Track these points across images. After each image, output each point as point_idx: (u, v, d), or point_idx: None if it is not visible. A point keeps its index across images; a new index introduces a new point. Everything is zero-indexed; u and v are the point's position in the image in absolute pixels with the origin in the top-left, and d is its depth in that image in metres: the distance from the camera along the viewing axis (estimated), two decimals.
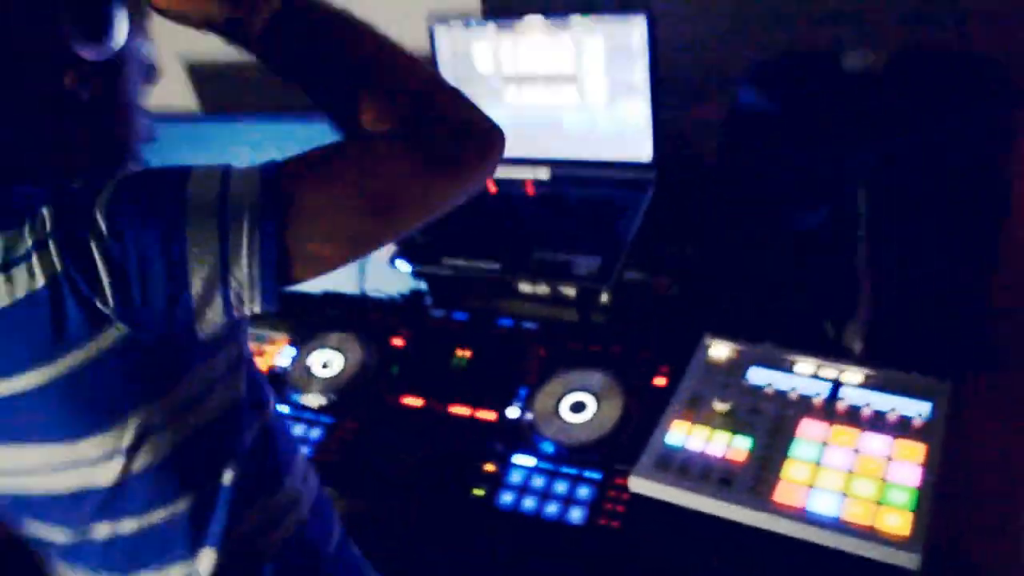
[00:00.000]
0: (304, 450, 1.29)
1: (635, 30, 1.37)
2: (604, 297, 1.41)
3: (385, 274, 1.66)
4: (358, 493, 1.25)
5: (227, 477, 0.79)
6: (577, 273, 1.37)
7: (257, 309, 0.71)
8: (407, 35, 1.57)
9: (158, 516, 0.77)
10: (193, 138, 1.78)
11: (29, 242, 0.66)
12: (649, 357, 1.28)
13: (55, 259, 0.65)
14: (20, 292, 0.66)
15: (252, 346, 1.60)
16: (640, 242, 1.39)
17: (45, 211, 0.66)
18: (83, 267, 0.65)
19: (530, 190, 1.55)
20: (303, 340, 1.47)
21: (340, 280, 1.77)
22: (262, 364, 1.62)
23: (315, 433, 1.32)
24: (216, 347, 0.74)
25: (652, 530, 1.07)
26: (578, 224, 1.46)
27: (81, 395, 0.69)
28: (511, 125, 1.54)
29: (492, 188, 1.59)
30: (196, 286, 0.68)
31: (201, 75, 2.04)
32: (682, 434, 1.11)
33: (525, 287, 1.50)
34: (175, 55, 2.00)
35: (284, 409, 1.38)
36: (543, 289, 1.49)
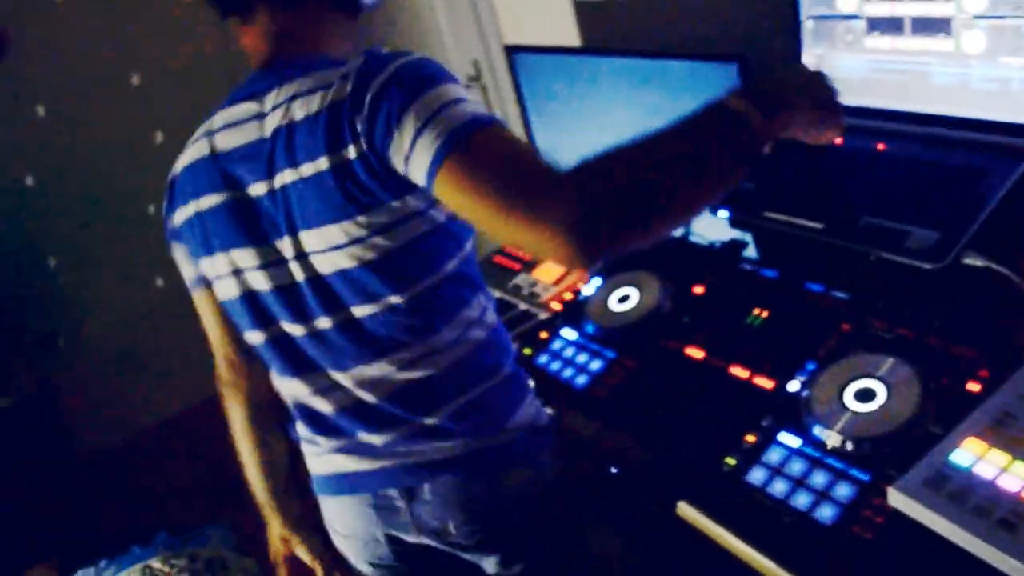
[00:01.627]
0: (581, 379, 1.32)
1: None
2: (934, 278, 1.21)
3: (713, 220, 1.60)
4: (616, 430, 1.24)
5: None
6: (906, 246, 1.19)
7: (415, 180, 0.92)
8: None
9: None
10: (575, 71, 1.84)
11: (339, 74, 0.96)
12: (971, 357, 1.08)
13: (347, 90, 0.94)
14: (320, 106, 0.96)
15: (562, 269, 1.66)
16: (998, 222, 1.16)
17: (357, 60, 0.96)
18: (357, 101, 0.93)
19: (880, 147, 1.37)
20: (611, 272, 1.47)
21: None
22: (568, 293, 1.67)
23: (595, 364, 1.34)
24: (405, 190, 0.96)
25: (907, 555, 0.92)
26: (925, 191, 1.26)
27: (343, 186, 0.96)
28: (870, 72, 1.39)
29: (838, 141, 1.43)
30: (398, 142, 0.91)
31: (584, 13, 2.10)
32: (972, 455, 0.93)
33: (847, 253, 1.34)
34: None
35: (573, 336, 1.41)
36: (867, 258, 1.32)
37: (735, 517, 1.06)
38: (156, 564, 1.97)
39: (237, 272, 1.08)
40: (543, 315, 1.65)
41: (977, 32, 1.22)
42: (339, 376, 1.08)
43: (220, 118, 1.07)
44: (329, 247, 0.99)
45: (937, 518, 0.88)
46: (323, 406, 1.11)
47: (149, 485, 2.76)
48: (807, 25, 1.43)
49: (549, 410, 1.18)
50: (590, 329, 1.40)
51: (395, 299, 1.02)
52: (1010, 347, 1.07)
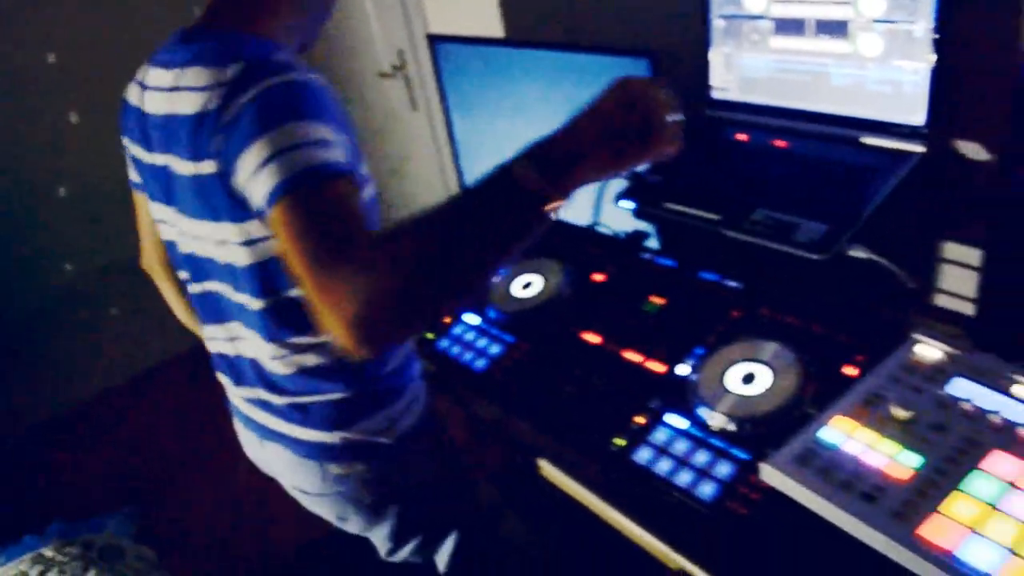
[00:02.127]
0: (480, 362, 1.33)
1: None
2: (821, 269, 1.25)
3: (616, 212, 1.62)
4: (514, 414, 1.26)
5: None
6: (795, 238, 1.22)
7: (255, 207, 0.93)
8: None
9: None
10: (496, 62, 1.85)
11: (217, 79, 0.95)
12: (849, 343, 1.12)
13: (219, 97, 0.94)
14: (194, 109, 0.97)
15: None
16: (882, 217, 1.20)
17: (237, 66, 0.94)
18: (220, 117, 0.93)
19: (780, 144, 1.41)
20: (516, 259, 1.49)
21: (574, 210, 1.77)
22: None
23: (495, 349, 1.34)
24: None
25: (779, 529, 0.95)
26: (817, 186, 1.30)
27: (210, 193, 0.98)
28: (775, 72, 1.43)
29: (743, 138, 1.47)
30: (245, 166, 0.91)
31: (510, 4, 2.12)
32: (841, 433, 0.96)
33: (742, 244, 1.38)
34: None
35: (475, 321, 1.42)
36: (760, 249, 1.35)
37: (622, 495, 1.08)
38: (48, 552, 1.90)
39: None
40: None
41: (874, 35, 1.27)
42: (223, 328, 1.18)
43: (147, 74, 1.10)
44: (203, 236, 1.06)
45: (805, 492, 0.91)
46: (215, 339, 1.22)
47: (47, 476, 2.69)
48: (717, 23, 1.47)
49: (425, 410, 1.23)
50: (492, 314, 1.40)
51: (257, 303, 1.07)
52: (887, 334, 1.11)
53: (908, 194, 1.24)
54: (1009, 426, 0.91)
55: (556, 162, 0.85)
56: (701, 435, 1.09)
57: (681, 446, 1.08)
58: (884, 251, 1.22)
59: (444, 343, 1.41)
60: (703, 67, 1.50)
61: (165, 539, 2.26)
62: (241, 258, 1.04)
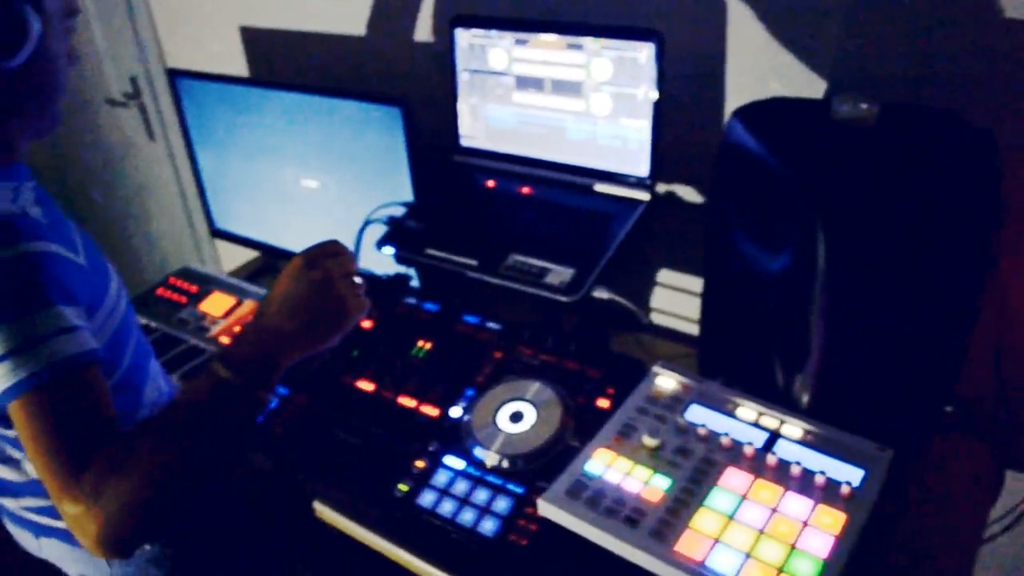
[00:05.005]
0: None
1: (643, 52, 1.35)
2: (570, 309, 1.39)
3: (378, 257, 1.68)
4: (295, 467, 1.27)
5: None
6: (547, 282, 1.35)
7: None
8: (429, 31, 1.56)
9: None
10: (237, 101, 1.82)
11: None
12: (598, 377, 1.26)
13: None
14: None
15: (250, 304, 1.64)
16: (619, 260, 1.36)
17: None
18: None
19: (525, 191, 1.54)
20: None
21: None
22: (238, 327, 1.66)
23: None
24: None
25: (558, 556, 1.06)
26: (562, 232, 1.44)
27: None
28: (517, 124, 1.55)
29: (491, 184, 1.58)
30: None
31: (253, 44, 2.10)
32: (603, 464, 1.08)
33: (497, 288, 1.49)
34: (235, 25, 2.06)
35: None
36: (513, 292, 1.47)
37: (411, 540, 1.14)
38: None
39: None
40: (215, 349, 1.62)
41: (604, 96, 1.43)
42: None
43: None
44: None
45: (577, 522, 1.02)
46: None
47: None
48: (463, 77, 1.56)
49: None
50: None
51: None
52: (629, 367, 1.26)
53: (639, 236, 1.40)
54: (738, 445, 1.08)
55: (253, 364, 0.93)
56: (479, 474, 1.17)
57: (462, 486, 1.16)
58: (620, 289, 1.37)
59: None
60: (454, 115, 1.60)
61: None
62: None
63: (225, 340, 1.66)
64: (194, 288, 1.80)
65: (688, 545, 0.97)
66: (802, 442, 1.08)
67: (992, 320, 1.20)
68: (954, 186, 1.07)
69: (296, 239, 1.90)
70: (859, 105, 1.13)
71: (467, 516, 1.13)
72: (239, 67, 2.15)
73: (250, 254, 2.10)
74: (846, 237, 1.06)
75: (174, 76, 1.90)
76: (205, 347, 1.64)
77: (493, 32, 1.50)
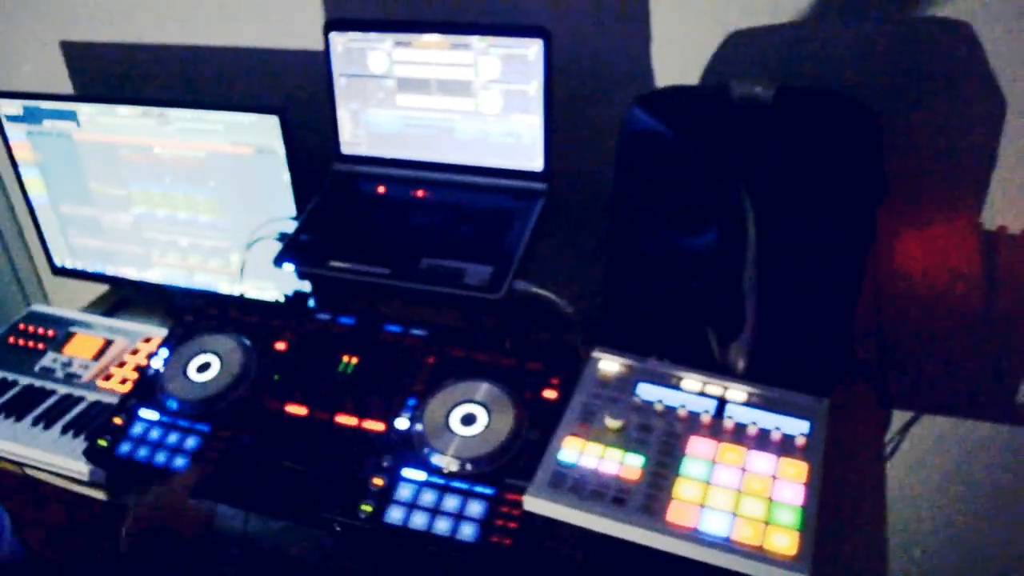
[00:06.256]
0: (179, 460, 1.23)
1: (532, 50, 1.37)
2: (493, 306, 1.40)
3: (262, 276, 1.61)
4: (238, 507, 1.20)
5: None
6: (469, 282, 1.35)
7: None
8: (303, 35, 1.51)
9: None
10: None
11: None
12: (539, 369, 1.28)
13: None
14: None
15: (123, 343, 1.52)
16: (528, 252, 1.38)
17: None
18: None
19: (419, 194, 1.52)
20: (179, 341, 1.39)
21: (215, 280, 1.70)
22: (133, 362, 1.54)
23: (191, 442, 1.26)
24: None
25: (544, 548, 1.07)
26: (468, 231, 1.44)
27: None
28: (402, 128, 1.53)
29: (382, 190, 1.55)
30: None
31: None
32: (575, 451, 1.11)
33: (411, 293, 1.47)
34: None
35: (154, 416, 1.30)
36: (429, 296, 1.46)
37: (388, 559, 1.11)
38: None
39: None
40: (94, 396, 1.48)
41: (494, 93, 1.44)
42: None
43: None
44: None
45: (567, 511, 1.04)
46: None
47: None
48: (339, 82, 1.52)
49: None
50: (174, 405, 1.30)
51: None
52: (566, 355, 1.29)
53: (540, 227, 1.43)
54: (694, 415, 1.14)
55: None
56: (443, 481, 1.16)
57: (428, 496, 1.15)
58: (540, 282, 1.40)
59: (125, 447, 1.27)
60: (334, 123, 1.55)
61: None
62: None
63: (104, 384, 1.53)
64: (51, 332, 1.63)
65: (678, 514, 1.03)
66: (748, 403, 1.16)
67: (871, 285, 1.34)
68: (841, 161, 1.18)
69: (163, 269, 1.78)
70: (755, 87, 1.22)
71: (442, 525, 1.11)
72: (66, 87, 1.96)
73: (92, 289, 1.93)
74: (763, 213, 1.15)
75: None
76: (81, 395, 1.50)
77: (372, 35, 1.47)
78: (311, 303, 1.51)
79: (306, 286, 1.54)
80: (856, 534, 1.54)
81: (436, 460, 1.18)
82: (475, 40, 1.41)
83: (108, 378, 1.54)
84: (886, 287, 1.39)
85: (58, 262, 1.87)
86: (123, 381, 1.53)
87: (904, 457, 1.55)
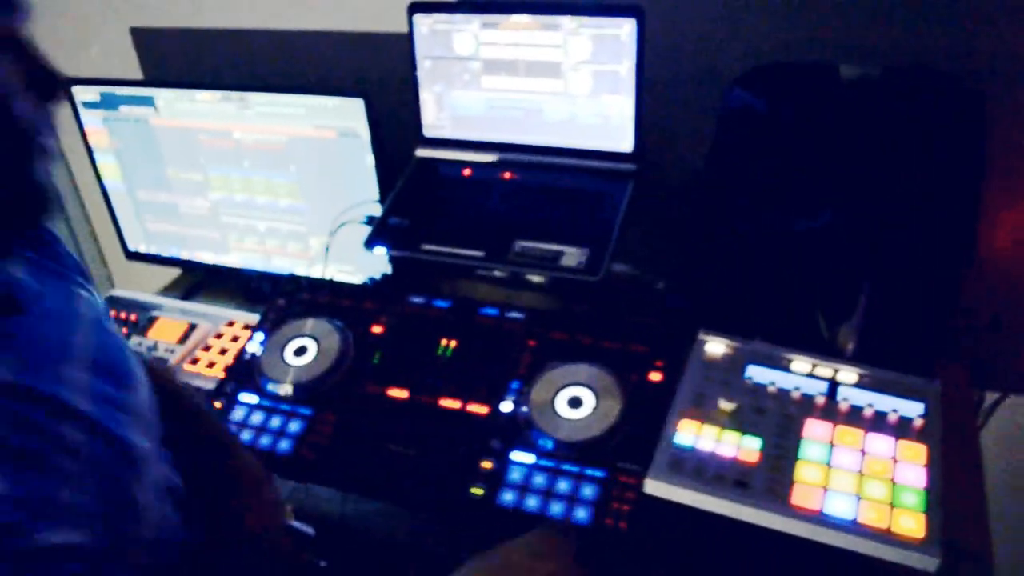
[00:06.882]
0: (284, 444, 1.24)
1: (624, 29, 1.36)
2: (589, 289, 1.39)
3: (343, 260, 1.61)
4: (347, 491, 1.20)
5: None
6: (566, 264, 1.35)
7: None
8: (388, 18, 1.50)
9: None
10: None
11: None
12: (643, 352, 1.27)
13: None
14: None
15: (206, 327, 1.52)
16: (624, 235, 1.38)
17: None
18: None
19: (506, 176, 1.52)
20: (273, 325, 1.39)
21: (292, 264, 1.70)
22: (218, 346, 1.55)
23: (294, 426, 1.26)
24: None
25: (662, 531, 1.07)
26: (559, 213, 1.44)
27: None
28: (487, 110, 1.52)
29: (466, 172, 1.54)
30: None
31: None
32: (691, 434, 1.11)
33: (504, 276, 1.47)
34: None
35: (254, 399, 1.31)
36: (523, 279, 1.46)
37: (503, 541, 1.11)
38: None
39: None
40: (182, 380, 1.49)
41: (584, 74, 1.43)
42: None
43: None
44: None
45: (690, 494, 1.04)
46: None
47: None
48: (424, 64, 1.52)
49: None
50: (275, 389, 1.31)
51: None
52: (669, 337, 1.28)
53: (633, 209, 1.43)
54: (807, 397, 1.14)
55: None
56: (554, 464, 1.16)
57: (539, 479, 1.15)
58: (635, 264, 1.40)
59: (229, 429, 1.27)
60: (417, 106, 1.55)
61: None
62: None
63: (190, 368, 1.53)
64: (133, 317, 1.64)
65: (802, 497, 1.02)
66: (859, 385, 1.16)
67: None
68: (947, 140, 1.17)
69: (240, 254, 1.78)
70: (862, 68, 1.21)
71: (556, 508, 1.11)
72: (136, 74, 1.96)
73: (166, 273, 1.94)
74: (871, 192, 1.14)
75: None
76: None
77: (457, 16, 1.46)
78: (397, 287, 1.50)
79: (389, 269, 1.53)
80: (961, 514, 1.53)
81: (545, 443, 1.18)
82: (565, 20, 1.40)
83: (195, 362, 1.54)
84: (987, 265, 1.38)
85: (132, 247, 1.88)
86: (210, 364, 1.54)
87: (993, 437, 1.54)
